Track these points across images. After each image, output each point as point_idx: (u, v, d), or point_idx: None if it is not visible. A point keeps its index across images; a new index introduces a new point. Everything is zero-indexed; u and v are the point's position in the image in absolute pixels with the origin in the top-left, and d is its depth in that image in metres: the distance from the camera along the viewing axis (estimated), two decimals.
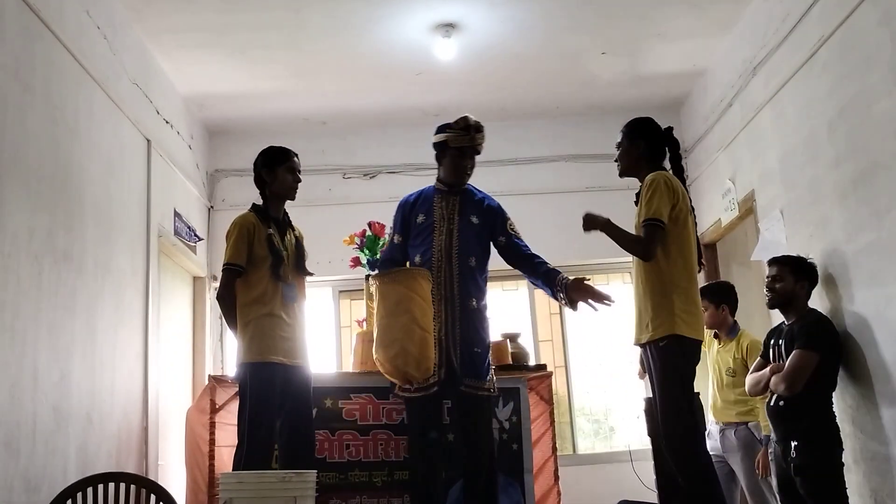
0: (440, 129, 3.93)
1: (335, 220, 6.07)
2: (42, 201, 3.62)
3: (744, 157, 5.35)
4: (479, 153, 3.94)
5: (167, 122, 5.51)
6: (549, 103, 6.38)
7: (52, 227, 3.70)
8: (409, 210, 3.98)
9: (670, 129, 3.75)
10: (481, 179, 6.44)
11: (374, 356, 3.71)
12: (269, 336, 3.66)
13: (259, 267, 3.72)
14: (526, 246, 4.03)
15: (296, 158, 3.95)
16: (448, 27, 5.14)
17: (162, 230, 5.23)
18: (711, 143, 5.95)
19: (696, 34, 5.43)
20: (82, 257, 4.00)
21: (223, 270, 3.75)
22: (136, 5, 4.71)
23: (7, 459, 3.20)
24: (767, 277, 4.12)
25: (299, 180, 3.95)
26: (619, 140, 3.76)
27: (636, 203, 3.66)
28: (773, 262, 4.15)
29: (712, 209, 6.02)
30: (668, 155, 3.73)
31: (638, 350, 3.73)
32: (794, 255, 4.18)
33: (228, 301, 3.73)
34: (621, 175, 3.80)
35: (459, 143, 3.86)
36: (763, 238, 4.96)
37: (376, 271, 4.08)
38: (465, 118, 3.87)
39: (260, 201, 3.94)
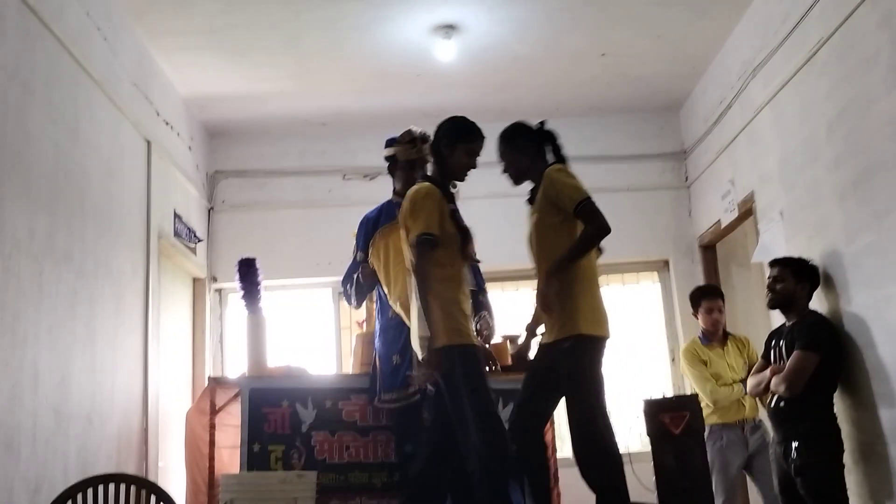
0: (388, 144, 3.99)
1: (335, 221, 6.07)
2: (42, 202, 3.62)
3: (743, 158, 5.36)
4: (427, 163, 3.75)
5: (167, 124, 5.51)
6: (549, 105, 6.38)
7: (53, 229, 3.71)
8: (371, 227, 4.04)
9: (542, 123, 3.65)
10: (481, 181, 6.47)
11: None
12: (467, 318, 3.40)
13: (449, 245, 3.44)
14: None
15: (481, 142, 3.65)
16: (448, 28, 5.15)
17: (162, 231, 5.23)
18: (711, 145, 5.95)
19: (696, 36, 5.44)
20: (82, 258, 4.01)
21: (419, 241, 3.33)
22: (136, 7, 4.71)
23: (7, 460, 3.20)
24: (769, 278, 4.13)
25: (475, 165, 3.64)
26: (499, 153, 3.64)
27: (530, 203, 3.58)
28: (775, 262, 4.15)
29: (712, 210, 6.02)
30: (551, 148, 3.60)
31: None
32: (796, 256, 4.18)
33: (428, 272, 3.32)
34: (516, 183, 3.64)
35: (407, 156, 3.90)
36: (763, 240, 4.97)
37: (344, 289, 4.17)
38: (409, 131, 3.91)
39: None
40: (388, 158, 3.99)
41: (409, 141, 3.86)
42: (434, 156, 3.59)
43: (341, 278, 4.20)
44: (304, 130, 6.58)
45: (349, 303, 4.19)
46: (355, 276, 4.07)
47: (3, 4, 3.39)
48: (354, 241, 4.11)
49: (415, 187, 3.50)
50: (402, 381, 3.76)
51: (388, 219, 3.98)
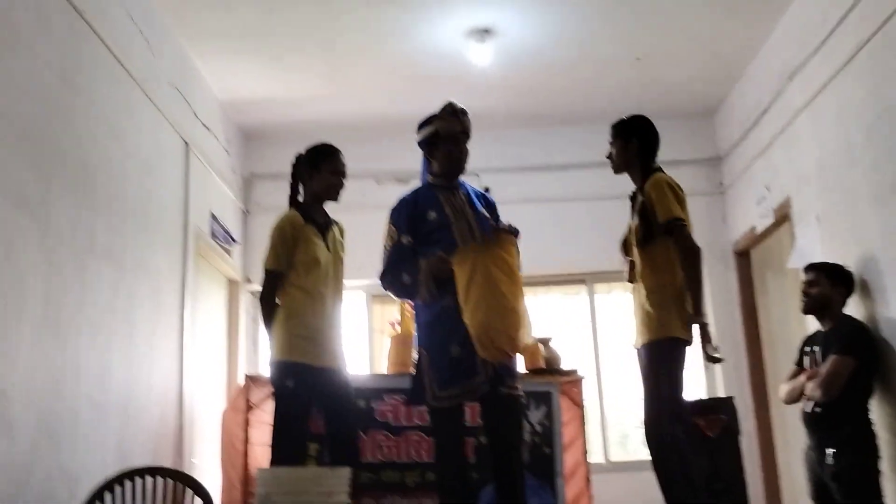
0: (425, 123, 3.69)
1: (368, 224, 6.07)
2: (85, 200, 3.70)
3: (780, 163, 5.32)
4: (469, 138, 3.67)
5: (205, 126, 5.59)
6: (583, 109, 6.39)
7: (95, 225, 3.78)
8: (413, 209, 3.64)
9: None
10: (514, 186, 6.52)
11: (483, 326, 3.29)
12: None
13: None
14: None
15: (341, 157, 3.83)
16: (483, 32, 5.18)
17: (199, 232, 5.30)
18: (747, 150, 5.91)
19: (732, 40, 5.42)
20: (122, 255, 4.08)
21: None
22: (176, 11, 4.80)
23: (49, 451, 3.26)
24: (803, 283, 4.09)
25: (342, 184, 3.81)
26: (610, 139, 3.74)
27: (632, 200, 3.68)
28: (810, 267, 4.12)
29: (747, 216, 5.98)
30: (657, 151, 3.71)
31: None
32: (832, 261, 4.15)
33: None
34: (616, 172, 3.77)
35: (451, 129, 3.60)
36: (798, 245, 4.92)
37: (385, 279, 3.65)
38: (451, 104, 3.65)
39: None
40: (426, 139, 3.68)
41: (451, 113, 3.62)
42: (302, 182, 3.82)
43: (378, 276, 3.66)
44: (338, 134, 6.54)
45: (401, 295, 3.69)
46: (423, 266, 3.51)
47: (50, 4, 3.48)
48: (390, 225, 3.69)
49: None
50: (464, 373, 3.41)
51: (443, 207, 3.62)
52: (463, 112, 3.66)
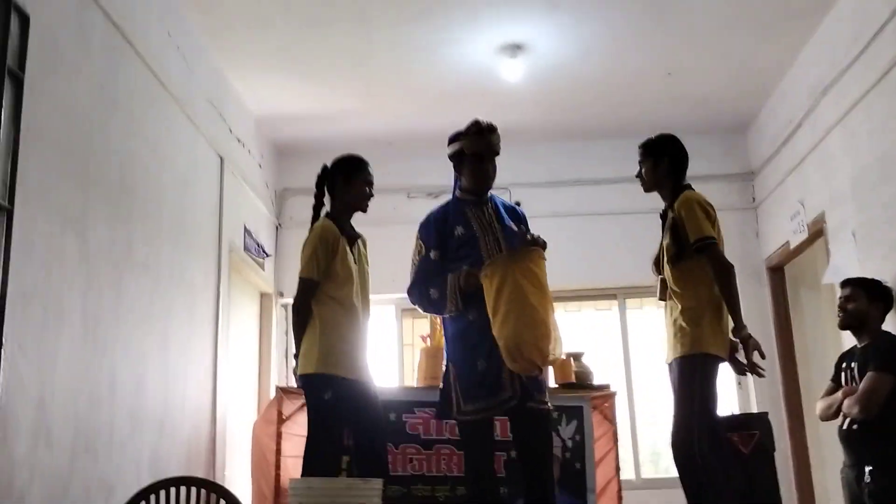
0: (453, 139, 3.70)
1: (399, 239, 6.10)
2: (123, 213, 3.76)
3: (813, 178, 5.27)
4: (497, 154, 3.68)
5: (239, 141, 5.67)
6: (614, 124, 6.39)
7: (132, 239, 3.84)
8: (441, 224, 3.68)
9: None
10: (544, 200, 6.52)
11: (512, 338, 3.28)
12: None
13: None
14: None
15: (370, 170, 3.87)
16: (514, 48, 5.20)
17: (232, 245, 5.37)
18: (779, 166, 5.87)
19: (763, 56, 5.40)
20: (158, 268, 4.14)
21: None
22: (213, 29, 4.88)
23: (86, 461, 3.31)
24: (840, 298, 4.04)
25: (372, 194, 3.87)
26: (640, 158, 3.76)
27: (662, 218, 3.69)
28: (847, 282, 4.07)
29: (780, 232, 5.93)
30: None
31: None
32: (869, 277, 4.10)
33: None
34: (647, 191, 3.79)
35: (476, 147, 3.61)
36: (834, 261, 4.87)
37: (413, 294, 3.68)
38: (477, 122, 3.65)
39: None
40: (453, 155, 3.71)
41: (476, 132, 3.62)
42: (331, 194, 3.82)
43: (406, 291, 3.72)
44: (370, 149, 6.54)
45: (428, 310, 3.71)
46: (453, 281, 3.53)
47: (91, 21, 3.56)
48: (419, 240, 3.73)
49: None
50: (490, 388, 3.42)
51: (458, 219, 3.66)
52: (489, 129, 3.65)
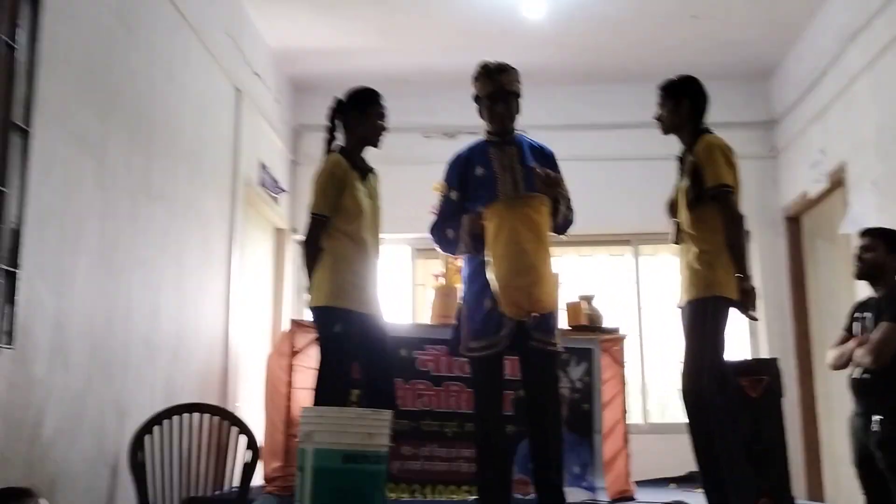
0: (473, 81, 3.73)
1: (414, 178, 6.10)
2: (140, 140, 3.76)
3: (836, 127, 5.20)
4: (511, 94, 3.66)
5: (256, 75, 5.63)
6: (635, 68, 6.29)
7: (148, 167, 3.85)
8: (464, 164, 3.76)
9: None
10: (562, 143, 6.41)
11: (503, 283, 3.40)
12: None
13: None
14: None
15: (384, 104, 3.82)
16: None
17: (248, 179, 5.37)
18: (802, 114, 5.79)
19: (791, 0, 5.27)
20: (174, 197, 4.15)
21: None
22: None
23: (102, 384, 3.36)
24: (857, 247, 4.01)
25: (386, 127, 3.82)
26: (659, 100, 3.69)
27: (680, 161, 3.63)
28: (866, 232, 4.03)
29: (799, 181, 5.87)
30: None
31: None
32: (889, 227, 4.06)
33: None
34: (665, 133, 3.72)
35: (486, 89, 3.65)
36: (852, 210, 4.83)
37: (433, 233, 3.75)
38: (484, 64, 3.68)
39: None
40: (474, 97, 3.74)
41: (484, 74, 3.65)
42: (344, 127, 3.73)
43: (428, 230, 3.77)
44: (387, 86, 6.44)
45: (446, 249, 3.81)
46: (463, 221, 3.62)
47: None
48: (443, 180, 3.81)
49: None
50: (494, 327, 3.52)
51: (481, 158, 3.70)
52: (499, 69, 3.64)
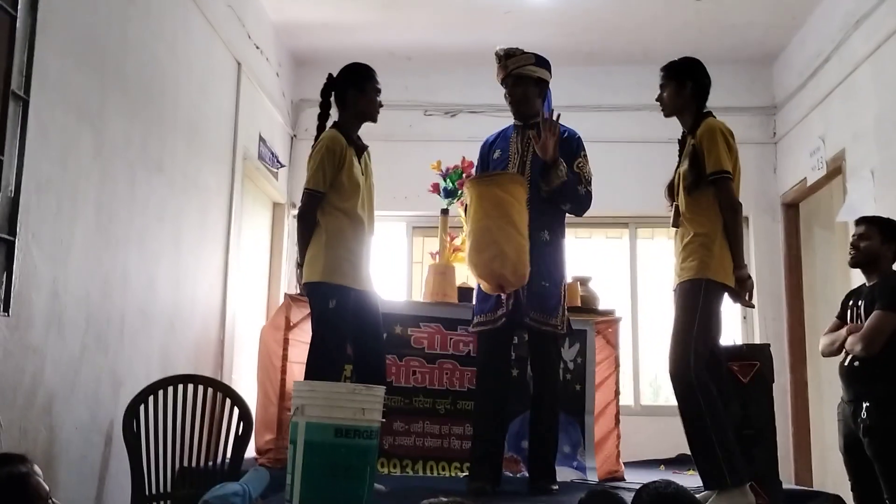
0: None
1: (414, 156, 6.11)
2: (139, 111, 3.75)
3: (837, 114, 5.19)
4: (521, 77, 3.82)
5: (257, 48, 5.61)
6: (637, 50, 6.27)
7: (147, 138, 3.84)
8: (487, 149, 3.98)
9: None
10: (561, 124, 6.42)
11: (468, 261, 3.67)
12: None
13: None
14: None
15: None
16: None
17: (247, 153, 5.36)
18: (803, 100, 5.77)
19: None
20: (172, 169, 4.15)
21: None
22: None
23: (97, 353, 3.38)
24: (853, 236, 4.01)
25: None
26: (662, 81, 3.64)
27: (680, 144, 3.61)
28: (862, 220, 4.04)
29: (798, 168, 5.87)
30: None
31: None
32: (885, 216, 4.06)
33: None
34: (667, 115, 3.68)
35: (499, 76, 3.87)
36: (850, 199, 4.83)
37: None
38: (496, 51, 3.87)
39: None
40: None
41: (497, 61, 3.85)
42: (340, 103, 3.74)
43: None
44: (388, 63, 6.54)
45: None
46: None
47: None
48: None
49: None
50: (492, 305, 3.73)
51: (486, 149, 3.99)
52: (507, 55, 3.85)
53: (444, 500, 1.71)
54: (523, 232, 3.56)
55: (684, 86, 3.59)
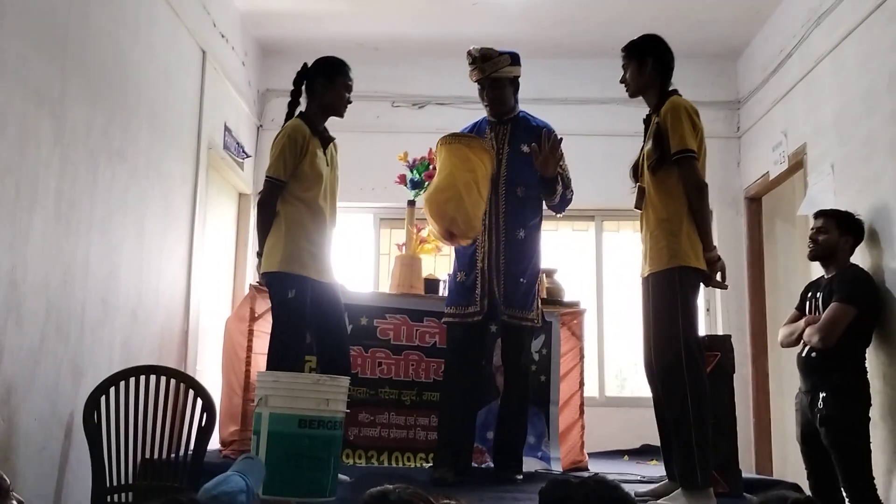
0: None
1: (381, 147, 6.09)
2: (101, 98, 3.70)
3: (799, 109, 5.26)
4: (497, 80, 3.89)
5: (223, 37, 5.55)
6: (606, 43, 6.25)
7: (109, 126, 3.79)
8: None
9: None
10: (547, 118, 6.43)
11: (425, 199, 3.73)
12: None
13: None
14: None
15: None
16: None
17: (212, 143, 5.31)
18: (767, 95, 5.85)
19: None
20: (135, 158, 4.10)
21: None
22: None
23: (57, 343, 3.34)
24: (812, 229, 4.09)
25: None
26: (623, 62, 3.58)
27: (645, 123, 3.54)
28: (820, 214, 4.11)
29: (760, 162, 5.94)
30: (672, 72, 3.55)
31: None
32: (843, 209, 4.14)
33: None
34: (632, 96, 3.60)
35: (474, 77, 3.95)
36: (811, 192, 4.91)
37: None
38: (468, 52, 3.92)
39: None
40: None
41: (470, 63, 3.91)
42: (309, 94, 3.75)
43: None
44: (356, 54, 6.47)
45: None
46: None
47: None
48: None
49: None
50: (465, 299, 3.81)
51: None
52: (482, 57, 3.88)
53: (390, 487, 1.70)
54: (483, 194, 3.66)
55: (645, 63, 3.51)
